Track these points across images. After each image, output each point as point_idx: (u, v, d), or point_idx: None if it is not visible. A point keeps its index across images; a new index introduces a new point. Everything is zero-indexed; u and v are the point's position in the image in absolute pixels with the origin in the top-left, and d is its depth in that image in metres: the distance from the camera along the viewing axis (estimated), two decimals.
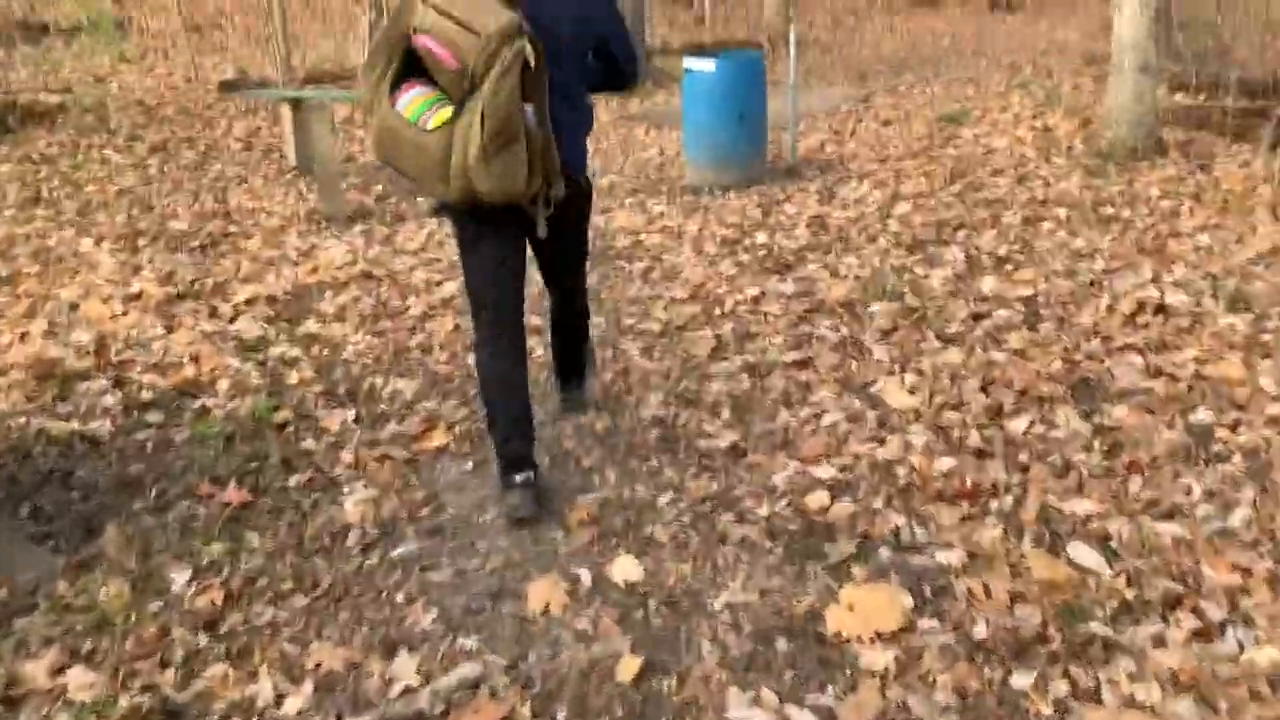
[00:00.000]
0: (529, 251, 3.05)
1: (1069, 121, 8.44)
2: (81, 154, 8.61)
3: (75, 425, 3.68)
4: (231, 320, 4.73)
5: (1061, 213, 5.90)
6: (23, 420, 3.72)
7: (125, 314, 4.71)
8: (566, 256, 3.20)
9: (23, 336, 4.47)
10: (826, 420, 3.56)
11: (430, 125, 2.54)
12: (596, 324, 4.39)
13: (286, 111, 8.38)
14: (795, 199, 6.68)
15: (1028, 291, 4.67)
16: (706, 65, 6.99)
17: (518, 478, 2.99)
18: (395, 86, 2.60)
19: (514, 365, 3.00)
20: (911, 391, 3.72)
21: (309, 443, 3.55)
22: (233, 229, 6.36)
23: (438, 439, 3.55)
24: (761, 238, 5.81)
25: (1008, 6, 21.47)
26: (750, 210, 6.46)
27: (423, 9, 2.52)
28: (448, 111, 2.54)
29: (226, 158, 8.85)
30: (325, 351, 4.38)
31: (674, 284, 5.10)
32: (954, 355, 4.01)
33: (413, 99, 2.57)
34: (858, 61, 15.01)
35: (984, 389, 3.71)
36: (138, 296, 4.78)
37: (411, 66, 2.60)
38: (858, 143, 8.54)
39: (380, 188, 7.65)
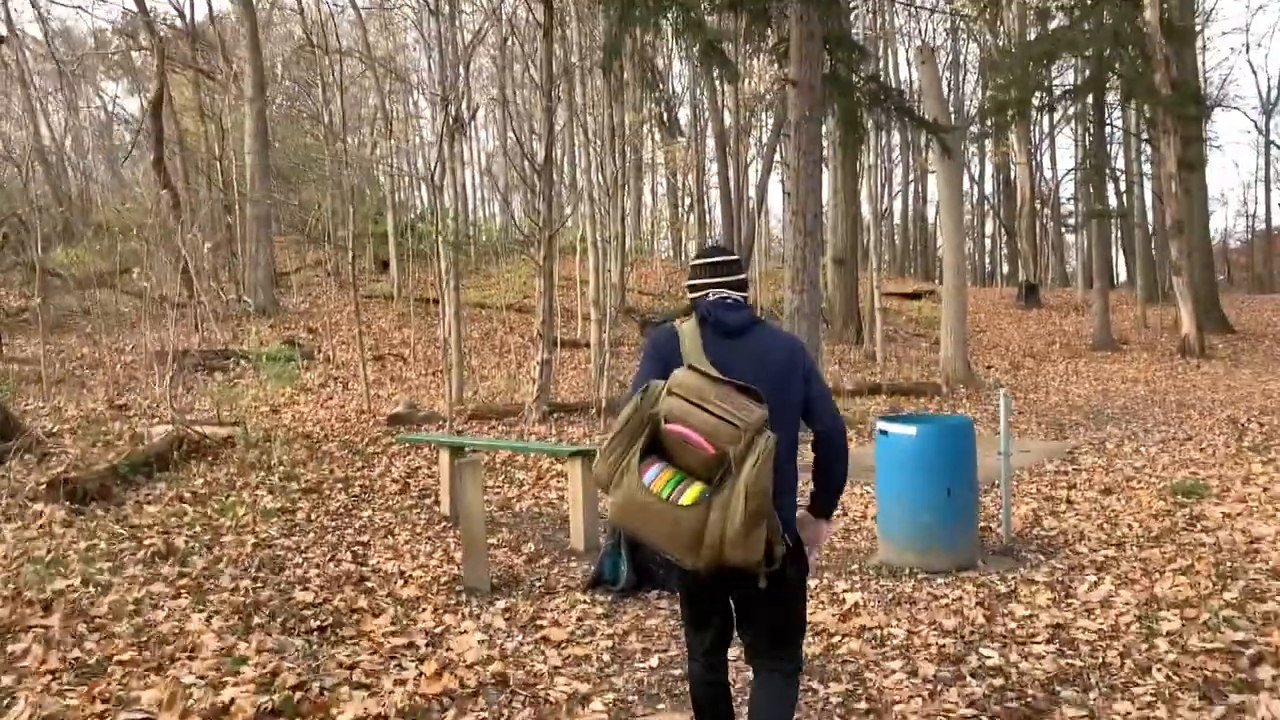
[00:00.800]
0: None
1: None
2: (233, 494, 8.23)
3: None
4: None
5: None
6: None
7: None
8: (786, 619, 3.20)
9: None
10: None
11: (683, 501, 2.73)
12: None
13: (445, 455, 7.85)
14: (1022, 595, 5.46)
15: None
16: (906, 430, 6.07)
17: None
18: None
19: (720, 694, 3.28)
20: None
21: None
22: (362, 601, 5.56)
23: None
24: (992, 655, 4.58)
25: (1201, 353, 20.25)
26: (968, 607, 5.26)
27: (668, 399, 2.80)
28: (696, 489, 2.74)
29: (380, 501, 8.31)
30: None
31: None
32: None
33: (659, 475, 2.77)
34: (1049, 409, 13.91)
35: None
36: (227, 710, 3.90)
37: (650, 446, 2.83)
38: (1078, 516, 7.31)
39: (532, 546, 6.84)
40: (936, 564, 5.99)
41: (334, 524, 7.51)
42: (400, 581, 6.00)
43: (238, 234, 22.45)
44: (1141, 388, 16.63)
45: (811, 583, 5.87)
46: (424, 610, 5.46)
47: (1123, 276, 38.73)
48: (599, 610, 5.51)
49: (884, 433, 6.19)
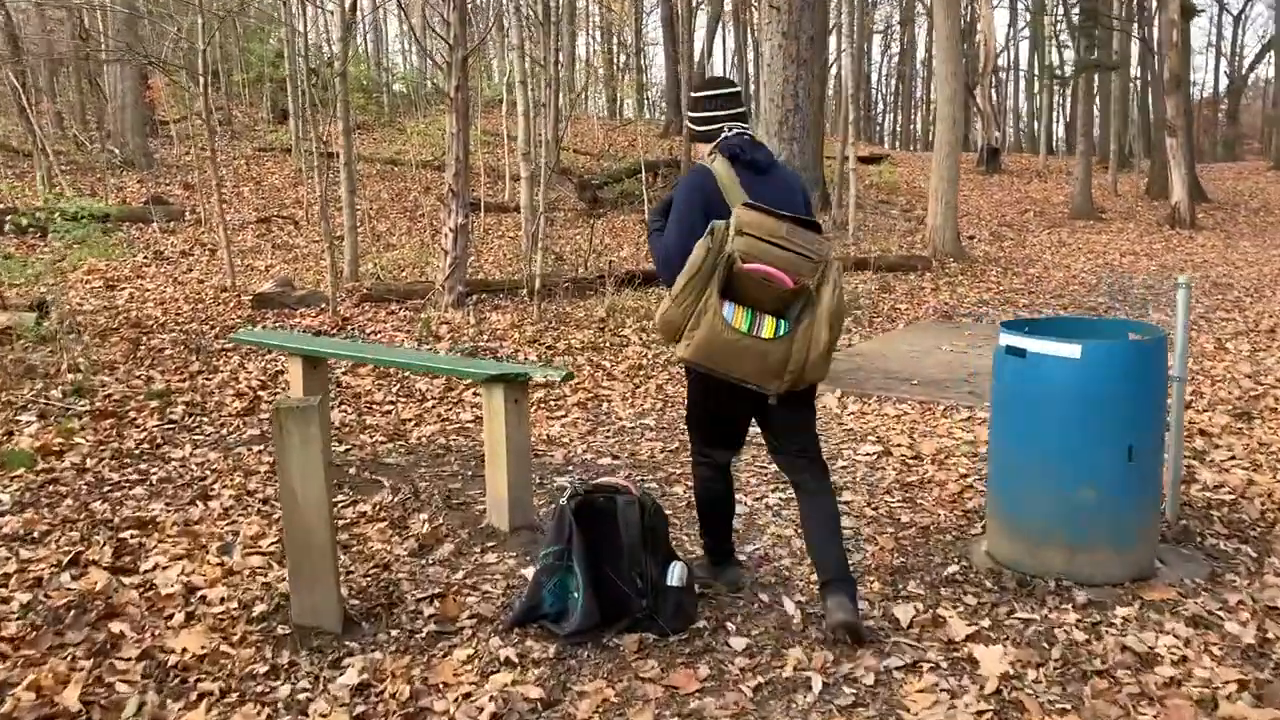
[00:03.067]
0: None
1: None
2: None
3: None
4: None
5: None
6: None
7: None
8: (805, 413, 3.23)
9: None
10: None
11: (765, 334, 2.88)
12: None
13: (297, 368, 5.08)
14: (1247, 622, 3.02)
15: None
16: (1064, 350, 3.46)
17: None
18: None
19: (727, 488, 3.44)
20: None
21: None
22: (82, 680, 2.88)
23: None
24: None
25: (1192, 224, 18.01)
26: (1163, 647, 2.81)
27: (740, 239, 2.85)
28: (771, 321, 2.90)
29: (208, 432, 5.55)
30: None
31: None
32: None
33: (735, 314, 2.88)
34: (1059, 289, 11.50)
35: None
36: None
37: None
38: (1236, 460, 4.88)
39: (425, 519, 4.18)
40: (1097, 570, 3.48)
41: (117, 479, 4.76)
42: (180, 614, 3.32)
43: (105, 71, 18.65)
44: (1146, 261, 14.34)
45: (881, 591, 3.37)
46: (207, 683, 2.81)
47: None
48: (531, 678, 2.92)
49: (1018, 352, 3.58)
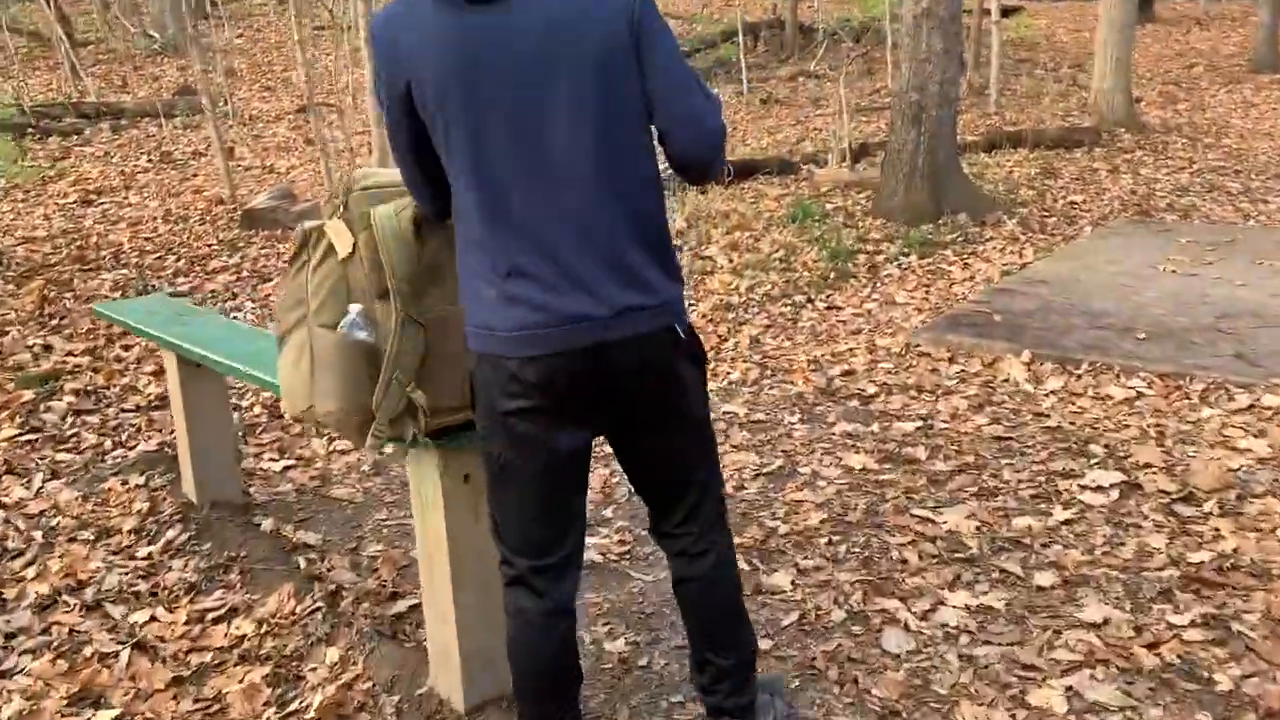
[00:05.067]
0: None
1: None
2: None
3: None
4: None
5: None
6: None
7: None
8: (689, 446, 1.83)
9: None
10: None
11: None
12: None
13: (171, 363, 3.16)
14: None
15: None
16: None
17: None
18: None
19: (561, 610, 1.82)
20: None
21: None
22: None
23: None
24: None
25: None
26: None
27: None
28: None
29: (75, 455, 3.73)
30: None
31: None
32: None
33: None
34: (1267, 162, 8.82)
35: None
36: None
37: None
38: None
39: (327, 682, 2.27)
40: None
41: None
42: None
43: None
44: None
45: None
46: None
47: None
48: None
49: None
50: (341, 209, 1.91)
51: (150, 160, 9.25)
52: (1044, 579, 2.61)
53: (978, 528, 2.90)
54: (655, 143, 1.70)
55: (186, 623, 2.59)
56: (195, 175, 8.66)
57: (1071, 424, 3.59)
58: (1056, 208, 7.02)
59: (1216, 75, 16.50)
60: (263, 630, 2.53)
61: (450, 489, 2.06)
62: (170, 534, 3.04)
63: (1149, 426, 3.52)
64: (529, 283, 1.61)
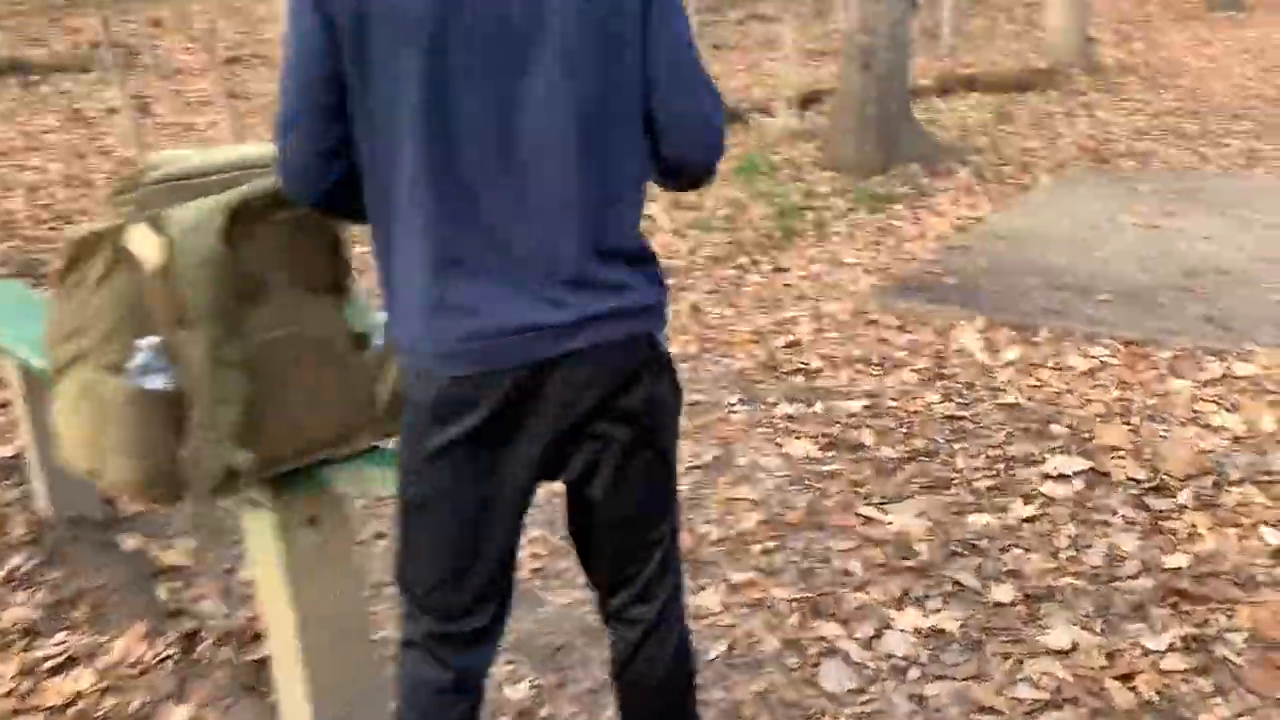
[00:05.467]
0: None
1: None
2: None
3: None
4: None
5: None
6: None
7: None
8: (652, 498, 1.45)
9: None
10: None
11: None
12: None
13: (13, 371, 2.74)
14: None
15: None
16: None
17: None
18: None
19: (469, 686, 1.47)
20: None
21: None
22: None
23: None
24: None
25: None
26: None
27: None
28: None
29: None
30: None
31: None
32: None
33: None
34: (1223, 103, 8.55)
35: None
36: None
37: None
38: None
39: None
40: None
41: None
42: None
43: None
44: None
45: None
46: None
47: None
48: None
49: None
50: (135, 208, 1.51)
51: (59, 119, 8.62)
52: (1002, 593, 2.30)
53: (929, 529, 2.59)
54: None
55: (17, 675, 2.22)
56: (106, 135, 8.07)
57: (1030, 400, 3.28)
58: (1011, 155, 6.68)
59: (1169, 13, 16.23)
60: (103, 684, 2.16)
61: (294, 541, 1.69)
62: (16, 560, 2.65)
63: (1114, 402, 3.22)
64: (472, 286, 1.25)
